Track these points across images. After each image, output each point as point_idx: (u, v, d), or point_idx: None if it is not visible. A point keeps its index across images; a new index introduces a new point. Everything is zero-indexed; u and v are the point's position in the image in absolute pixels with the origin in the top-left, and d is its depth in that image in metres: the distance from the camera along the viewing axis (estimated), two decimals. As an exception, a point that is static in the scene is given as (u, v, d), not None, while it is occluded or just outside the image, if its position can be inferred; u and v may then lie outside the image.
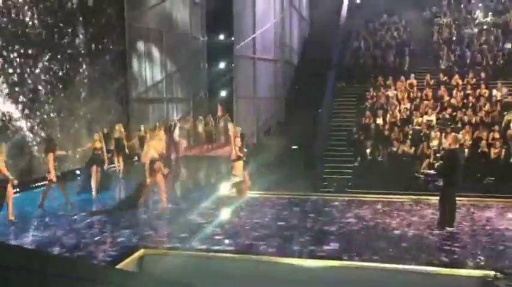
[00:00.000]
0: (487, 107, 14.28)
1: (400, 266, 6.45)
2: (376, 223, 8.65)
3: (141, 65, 15.24)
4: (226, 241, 7.55)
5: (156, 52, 15.84)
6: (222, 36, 19.14)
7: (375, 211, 9.56)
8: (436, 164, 11.00)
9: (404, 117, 14.65)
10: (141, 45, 15.27)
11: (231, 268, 6.77)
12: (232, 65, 15.41)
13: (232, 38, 15.07)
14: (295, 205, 10.18)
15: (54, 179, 9.46)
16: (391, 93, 15.83)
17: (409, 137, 13.55)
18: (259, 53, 16.34)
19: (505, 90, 14.84)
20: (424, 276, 6.27)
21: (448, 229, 7.97)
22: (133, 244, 7.30)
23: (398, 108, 15.06)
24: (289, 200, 10.73)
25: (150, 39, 15.60)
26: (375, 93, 16.07)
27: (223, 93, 19.01)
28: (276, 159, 13.97)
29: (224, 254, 6.98)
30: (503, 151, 12.21)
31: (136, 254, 6.80)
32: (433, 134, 13.17)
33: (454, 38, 18.27)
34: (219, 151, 13.05)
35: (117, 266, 6.20)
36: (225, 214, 9.27)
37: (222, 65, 19.13)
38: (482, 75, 15.82)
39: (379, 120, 14.63)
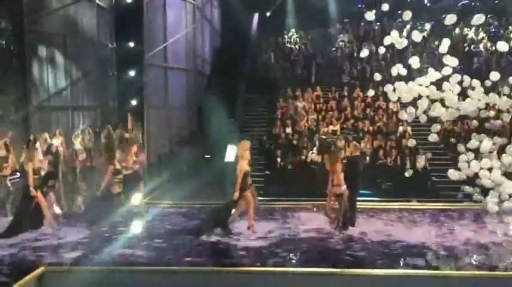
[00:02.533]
0: (385, 118, 15.51)
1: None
2: (286, 228, 8.96)
3: (42, 72, 14.28)
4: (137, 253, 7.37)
5: (59, 58, 14.95)
6: (132, 44, 18.60)
7: (284, 217, 9.89)
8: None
9: (312, 127, 15.38)
10: (42, 51, 14.32)
11: (138, 282, 6.61)
12: (143, 73, 15.07)
13: (143, 46, 14.77)
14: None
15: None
16: (299, 104, 16.54)
17: (316, 146, 14.25)
18: (171, 62, 16.20)
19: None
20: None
21: (351, 227, 8.58)
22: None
23: (306, 118, 15.77)
24: (199, 209, 10.72)
25: (53, 44, 14.71)
26: (284, 104, 16.69)
27: (133, 102, 18.45)
28: (188, 168, 13.88)
29: (129, 267, 6.80)
30: (399, 158, 13.33)
31: (36, 272, 6.36)
32: (338, 143, 13.96)
33: (355, 54, 19.60)
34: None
35: (15, 286, 5.77)
36: (135, 225, 9.02)
37: (132, 73, 18.57)
38: (380, 89, 17.16)
39: (289, 130, 15.20)
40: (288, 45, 20.76)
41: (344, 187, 8.65)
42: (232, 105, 16.08)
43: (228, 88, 16.98)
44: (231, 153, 13.96)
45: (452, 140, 13.30)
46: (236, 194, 8.34)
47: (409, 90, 11.34)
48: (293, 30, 21.53)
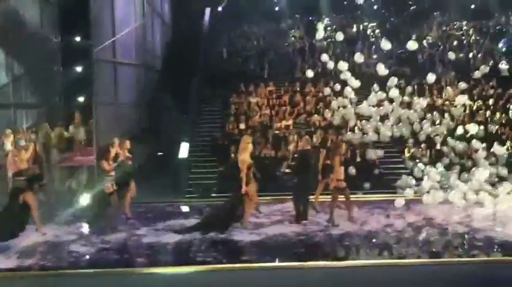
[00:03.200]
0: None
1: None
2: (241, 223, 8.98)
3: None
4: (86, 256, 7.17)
5: (-1, 53, 14.20)
6: (78, 38, 17.92)
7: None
8: (292, 165, 11.86)
9: (265, 122, 15.45)
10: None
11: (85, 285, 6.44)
12: (91, 68, 14.54)
13: (90, 40, 14.22)
14: (168, 213, 10.09)
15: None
16: (252, 99, 16.57)
17: (270, 141, 14.33)
18: (120, 57, 15.74)
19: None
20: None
21: (303, 222, 8.73)
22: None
23: (259, 113, 15.82)
24: (154, 208, 10.56)
25: (-8, 38, 13.94)
26: (238, 100, 16.66)
27: (81, 99, 17.80)
28: (140, 166, 13.56)
29: (76, 271, 6.61)
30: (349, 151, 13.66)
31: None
32: (290, 137, 14.13)
33: (306, 50, 19.85)
34: (78, 159, 12.26)
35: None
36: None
37: (79, 68, 17.91)
38: (332, 83, 17.53)
39: (242, 126, 15.20)
40: (241, 40, 20.71)
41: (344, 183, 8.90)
42: (184, 101, 15.89)
43: (180, 84, 16.74)
44: (184, 150, 13.88)
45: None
46: (244, 188, 8.24)
47: (349, 114, 13.39)
48: (246, 25, 21.50)
